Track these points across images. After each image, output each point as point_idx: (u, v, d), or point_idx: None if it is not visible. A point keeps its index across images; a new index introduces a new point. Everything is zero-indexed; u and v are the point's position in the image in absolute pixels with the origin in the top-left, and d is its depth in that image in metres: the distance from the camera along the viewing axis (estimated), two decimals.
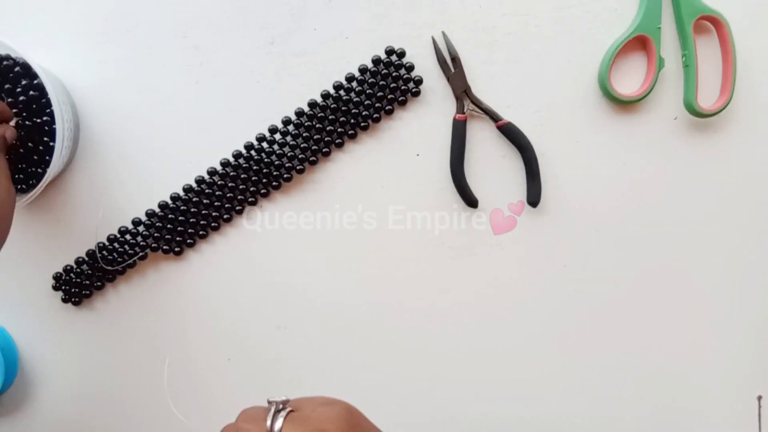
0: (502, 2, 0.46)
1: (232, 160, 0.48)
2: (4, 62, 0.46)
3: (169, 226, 0.49)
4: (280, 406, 0.31)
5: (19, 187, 0.47)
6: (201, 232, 0.49)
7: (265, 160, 0.48)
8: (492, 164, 0.48)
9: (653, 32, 0.46)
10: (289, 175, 0.48)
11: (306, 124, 0.47)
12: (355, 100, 0.47)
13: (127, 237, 0.49)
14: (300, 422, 0.31)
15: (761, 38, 0.47)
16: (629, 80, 0.47)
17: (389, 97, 0.47)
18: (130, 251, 0.49)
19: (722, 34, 0.46)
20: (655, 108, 0.47)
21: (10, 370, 0.51)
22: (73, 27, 0.48)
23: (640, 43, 0.47)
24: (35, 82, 0.46)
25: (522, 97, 0.47)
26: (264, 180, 0.49)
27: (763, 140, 0.48)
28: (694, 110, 0.46)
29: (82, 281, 0.50)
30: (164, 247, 0.49)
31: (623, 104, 0.47)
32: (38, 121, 0.46)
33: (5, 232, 0.41)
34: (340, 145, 0.48)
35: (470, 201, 0.48)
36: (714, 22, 0.46)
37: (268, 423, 0.31)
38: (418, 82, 0.47)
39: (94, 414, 0.52)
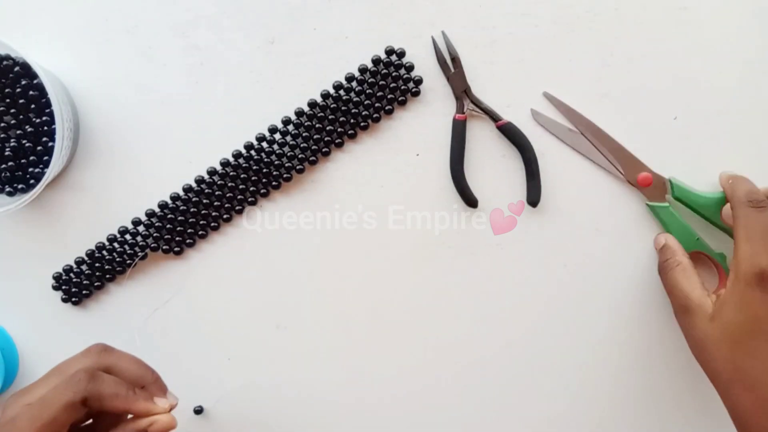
0: (502, 2, 0.46)
1: (232, 160, 0.48)
2: (4, 62, 0.46)
3: (169, 226, 0.49)
4: None
5: (19, 187, 0.47)
6: (201, 232, 0.49)
7: (265, 160, 0.48)
8: (492, 164, 0.48)
9: (697, 245, 0.46)
10: (289, 175, 0.48)
11: (306, 123, 0.47)
12: (355, 100, 0.47)
13: (127, 237, 0.49)
14: None
15: None
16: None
17: (389, 97, 0.47)
18: (130, 251, 0.49)
19: None
20: (654, 110, 0.47)
21: (10, 370, 0.51)
22: (73, 27, 0.48)
23: (694, 256, 0.46)
24: (35, 82, 0.46)
25: (522, 97, 0.47)
26: (264, 180, 0.49)
27: None
28: None
29: (82, 281, 0.50)
30: (164, 247, 0.49)
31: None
32: (38, 121, 0.46)
33: None
34: (340, 145, 0.48)
35: (470, 201, 0.48)
36: None
37: None
38: (418, 82, 0.47)
39: None
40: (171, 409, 0.36)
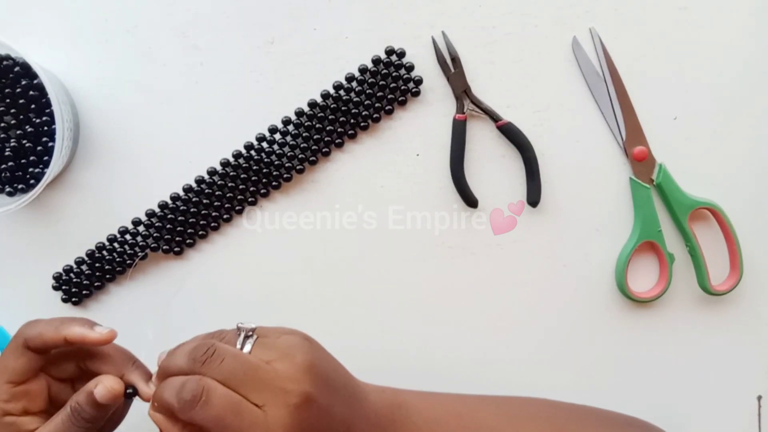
0: (502, 2, 0.46)
1: (232, 160, 0.48)
2: (4, 62, 0.46)
3: (169, 226, 0.49)
4: (250, 333, 0.34)
5: (19, 187, 0.47)
6: (201, 232, 0.49)
7: (265, 160, 0.48)
8: (492, 164, 0.48)
9: (655, 236, 0.47)
10: (289, 175, 0.48)
11: (306, 124, 0.48)
12: (355, 100, 0.47)
13: (127, 237, 0.49)
14: (268, 347, 0.33)
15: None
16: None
17: (389, 97, 0.47)
18: (130, 251, 0.49)
19: (719, 219, 0.47)
20: (654, 110, 0.47)
21: None
22: (73, 27, 0.48)
23: (646, 245, 0.48)
24: (35, 82, 0.46)
25: (522, 97, 0.47)
26: (264, 180, 0.49)
27: None
28: (709, 291, 0.48)
29: (82, 281, 0.50)
30: (164, 247, 0.49)
31: (642, 303, 0.49)
32: (38, 121, 0.46)
33: None
34: (340, 145, 0.48)
35: (470, 201, 0.48)
36: (708, 210, 0.48)
37: (238, 346, 0.33)
38: (418, 82, 0.47)
39: None
40: (110, 338, 0.37)
